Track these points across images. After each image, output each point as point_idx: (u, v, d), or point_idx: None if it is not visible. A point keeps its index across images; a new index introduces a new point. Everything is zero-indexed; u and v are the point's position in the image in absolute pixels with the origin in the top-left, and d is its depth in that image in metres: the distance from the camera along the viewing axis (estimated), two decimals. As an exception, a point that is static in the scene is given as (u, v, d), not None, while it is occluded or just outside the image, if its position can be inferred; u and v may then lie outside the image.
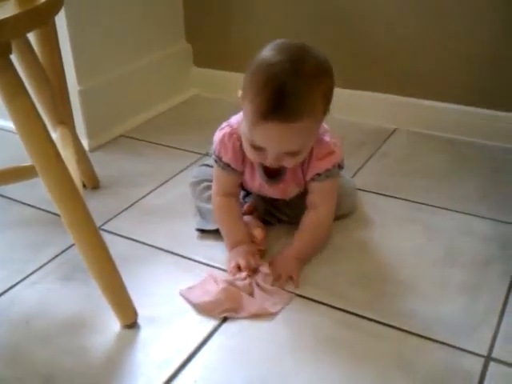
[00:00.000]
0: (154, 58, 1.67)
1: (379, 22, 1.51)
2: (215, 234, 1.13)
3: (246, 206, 1.16)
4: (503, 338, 0.90)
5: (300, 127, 0.92)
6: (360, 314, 0.95)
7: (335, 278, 1.03)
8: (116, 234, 1.17)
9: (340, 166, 1.08)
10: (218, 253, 1.10)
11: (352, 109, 1.60)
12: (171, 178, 1.37)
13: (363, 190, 1.29)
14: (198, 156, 1.45)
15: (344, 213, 1.18)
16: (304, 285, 1.01)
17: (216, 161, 1.08)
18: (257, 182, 1.11)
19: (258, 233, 1.09)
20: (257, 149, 0.98)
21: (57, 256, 1.11)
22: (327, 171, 1.05)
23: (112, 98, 1.56)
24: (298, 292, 1.00)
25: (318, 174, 1.05)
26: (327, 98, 0.96)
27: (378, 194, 1.28)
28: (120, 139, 1.58)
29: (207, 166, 1.22)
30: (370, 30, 1.53)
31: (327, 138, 1.05)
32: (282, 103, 0.90)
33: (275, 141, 0.95)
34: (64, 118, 1.19)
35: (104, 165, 1.41)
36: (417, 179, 1.33)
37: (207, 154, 1.34)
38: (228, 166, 1.07)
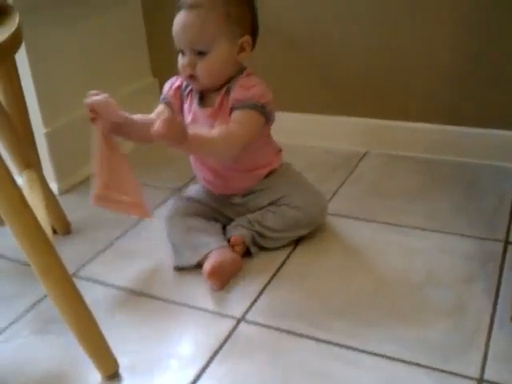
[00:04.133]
0: (121, 95, 1.64)
1: (347, 47, 1.52)
2: (194, 270, 1.11)
3: (232, 239, 1.14)
4: (494, 357, 0.88)
5: (198, 15, 1.07)
6: (344, 344, 0.93)
7: (316, 308, 1.01)
8: (91, 280, 1.13)
9: (263, 107, 1.10)
10: (197, 292, 1.08)
11: (322, 134, 1.61)
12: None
13: (339, 215, 1.28)
14: (170, 191, 1.43)
15: (313, 216, 1.19)
16: (285, 318, 0.99)
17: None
18: (191, 114, 1.16)
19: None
20: (180, 52, 1.11)
21: (30, 308, 1.07)
22: (246, 100, 1.09)
23: (79, 138, 1.51)
24: (280, 326, 0.97)
25: (237, 100, 1.10)
26: (233, 13, 1.08)
27: (354, 218, 1.27)
28: (90, 180, 1.54)
29: (184, 198, 1.23)
30: (338, 56, 1.53)
31: (255, 78, 1.13)
32: None
33: (181, 27, 1.08)
34: (31, 162, 1.17)
35: (75, 208, 1.38)
36: (392, 201, 1.33)
37: (179, 190, 1.32)
38: (164, 98, 1.18)
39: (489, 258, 1.11)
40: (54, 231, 1.27)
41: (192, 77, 1.11)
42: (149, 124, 1.04)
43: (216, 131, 1.07)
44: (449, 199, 1.32)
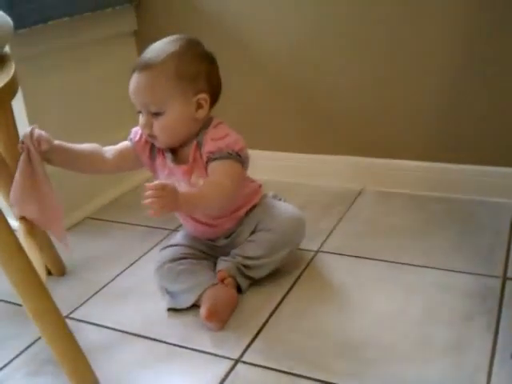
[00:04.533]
0: (115, 138, 1.66)
1: (337, 86, 1.54)
2: (190, 310, 1.10)
3: (218, 274, 1.14)
4: (495, 396, 0.87)
5: (148, 77, 1.08)
6: (345, 384, 0.91)
7: (315, 348, 0.99)
8: (85, 322, 1.12)
9: (238, 154, 1.10)
10: (194, 333, 1.06)
11: (316, 173, 1.62)
12: (140, 257, 1.33)
13: (336, 253, 1.27)
14: (167, 232, 1.42)
15: (289, 235, 1.18)
16: (283, 358, 0.98)
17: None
18: (166, 169, 1.16)
19: None
20: (138, 112, 1.12)
21: (24, 350, 1.05)
22: (220, 150, 1.09)
23: (74, 180, 1.53)
24: (278, 367, 0.96)
25: (211, 152, 1.09)
26: (183, 72, 1.08)
27: (351, 256, 1.27)
28: (85, 221, 1.55)
29: (170, 246, 1.22)
30: (329, 95, 1.56)
31: (225, 128, 1.13)
32: (141, 61, 1.11)
33: (134, 89, 1.10)
34: (25, 205, 1.16)
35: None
36: (389, 238, 1.33)
37: (175, 230, 1.32)
38: (131, 140, 1.18)
39: (487, 295, 1.10)
40: (49, 272, 1.26)
41: (151, 136, 1.11)
42: (90, 154, 1.14)
43: (205, 185, 1.08)
44: (445, 236, 1.32)
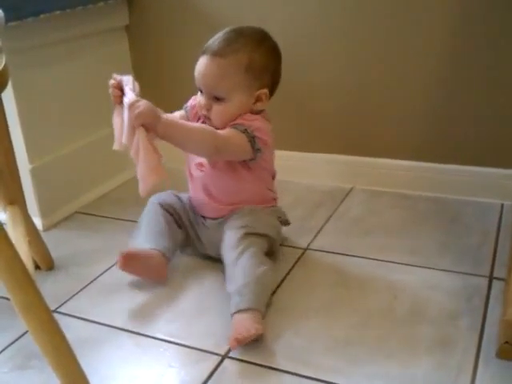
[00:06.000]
0: (105, 133, 1.66)
1: (326, 85, 1.54)
2: (176, 308, 1.10)
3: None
4: (479, 394, 0.88)
5: (219, 65, 1.11)
6: (330, 381, 0.91)
7: (302, 345, 1.00)
8: (73, 316, 1.12)
9: (254, 137, 1.13)
10: (179, 328, 1.06)
11: (306, 171, 1.62)
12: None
13: (325, 251, 1.28)
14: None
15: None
16: (270, 355, 0.98)
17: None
18: None
19: None
20: (199, 90, 1.16)
21: (10, 344, 1.05)
22: (240, 125, 1.13)
23: (65, 174, 1.53)
24: (265, 363, 0.96)
25: (234, 124, 1.14)
26: (254, 67, 1.12)
27: (339, 254, 1.27)
28: (75, 216, 1.54)
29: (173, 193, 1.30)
30: (319, 94, 1.56)
31: (259, 117, 1.17)
32: (214, 45, 1.13)
33: (202, 71, 1.13)
34: (15, 198, 1.16)
35: (58, 244, 1.37)
36: (377, 237, 1.33)
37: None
38: (186, 107, 1.25)
39: (474, 294, 1.11)
40: (38, 267, 1.26)
41: (207, 116, 1.16)
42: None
43: (200, 126, 1.13)
44: (433, 235, 1.33)
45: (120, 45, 1.72)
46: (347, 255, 1.27)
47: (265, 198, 1.25)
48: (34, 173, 1.44)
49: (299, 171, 1.63)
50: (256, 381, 0.93)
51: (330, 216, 1.44)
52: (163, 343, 1.03)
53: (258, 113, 1.18)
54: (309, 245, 1.31)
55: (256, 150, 1.15)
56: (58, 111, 1.52)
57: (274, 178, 1.29)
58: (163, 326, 1.07)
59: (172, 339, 1.04)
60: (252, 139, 1.13)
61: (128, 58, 1.75)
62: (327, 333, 1.03)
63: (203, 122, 1.19)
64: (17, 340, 1.06)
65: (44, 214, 1.47)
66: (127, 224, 1.46)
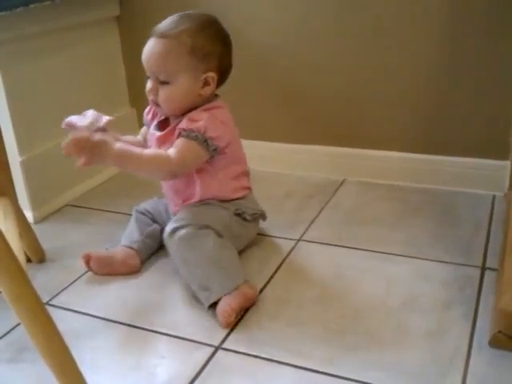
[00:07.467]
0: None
1: (319, 75, 1.54)
2: (170, 298, 1.09)
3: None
4: (473, 382, 0.88)
5: (164, 46, 1.11)
6: (324, 371, 0.92)
7: (295, 336, 1.00)
8: (65, 309, 1.11)
9: (206, 141, 1.12)
10: (172, 319, 1.06)
11: (298, 163, 1.62)
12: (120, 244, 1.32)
13: (317, 243, 1.28)
14: (148, 220, 1.41)
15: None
16: (264, 345, 0.98)
17: None
18: (152, 134, 1.21)
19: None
20: (147, 78, 1.16)
21: (2, 337, 1.04)
22: (191, 131, 1.12)
23: (55, 166, 1.52)
24: (259, 354, 0.96)
25: (183, 129, 1.13)
26: (197, 49, 1.12)
27: (331, 245, 1.27)
28: (66, 209, 1.53)
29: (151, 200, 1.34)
30: (310, 86, 1.55)
31: (206, 114, 1.14)
32: (160, 27, 1.13)
33: (147, 54, 1.13)
34: (5, 190, 1.15)
35: (50, 236, 1.36)
36: (369, 228, 1.33)
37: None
38: (144, 117, 1.27)
39: (466, 284, 1.11)
40: (29, 259, 1.25)
41: (154, 102, 1.16)
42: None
43: (152, 152, 1.13)
44: (425, 226, 1.33)
45: (111, 35, 1.71)
46: (340, 246, 1.27)
47: (225, 189, 1.21)
48: (25, 165, 1.43)
49: (291, 163, 1.63)
50: (249, 371, 0.93)
51: (323, 208, 1.44)
52: (156, 334, 1.03)
53: (209, 99, 1.17)
54: (301, 236, 1.31)
55: (211, 150, 1.14)
56: (48, 103, 1.51)
57: (242, 163, 1.25)
58: (156, 318, 1.07)
59: (165, 330, 1.03)
60: (204, 142, 1.12)
61: (119, 49, 1.74)
62: (320, 323, 1.03)
63: (154, 113, 1.23)
64: (8, 333, 1.05)
65: (35, 207, 1.46)
66: (118, 216, 1.45)
